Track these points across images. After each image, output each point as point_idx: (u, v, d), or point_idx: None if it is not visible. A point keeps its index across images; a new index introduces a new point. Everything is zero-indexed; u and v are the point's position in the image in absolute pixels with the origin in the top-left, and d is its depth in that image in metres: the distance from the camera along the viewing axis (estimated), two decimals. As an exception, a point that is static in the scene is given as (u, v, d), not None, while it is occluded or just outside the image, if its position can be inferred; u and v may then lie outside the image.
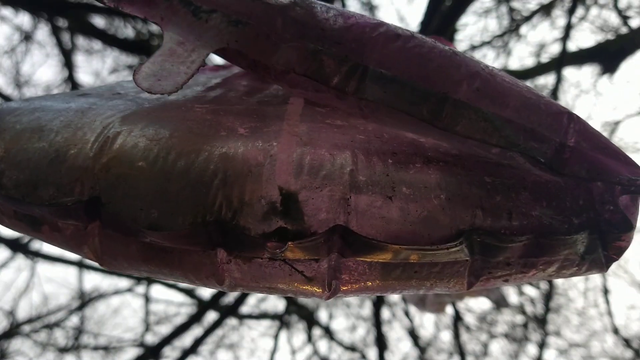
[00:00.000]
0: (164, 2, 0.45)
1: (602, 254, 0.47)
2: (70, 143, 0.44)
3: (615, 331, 3.43)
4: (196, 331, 3.57)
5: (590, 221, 0.46)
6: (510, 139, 0.44)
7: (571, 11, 2.86)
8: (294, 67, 0.45)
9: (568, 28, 2.84)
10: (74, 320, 4.04)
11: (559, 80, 2.95)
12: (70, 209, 0.42)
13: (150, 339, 4.00)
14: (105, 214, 0.42)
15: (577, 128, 0.45)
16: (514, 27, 3.27)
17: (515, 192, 0.45)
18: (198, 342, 3.50)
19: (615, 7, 2.88)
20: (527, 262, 0.45)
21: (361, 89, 0.45)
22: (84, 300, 4.07)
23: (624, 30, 2.93)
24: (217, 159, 0.42)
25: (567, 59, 2.95)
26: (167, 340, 3.39)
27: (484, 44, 3.47)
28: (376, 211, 0.42)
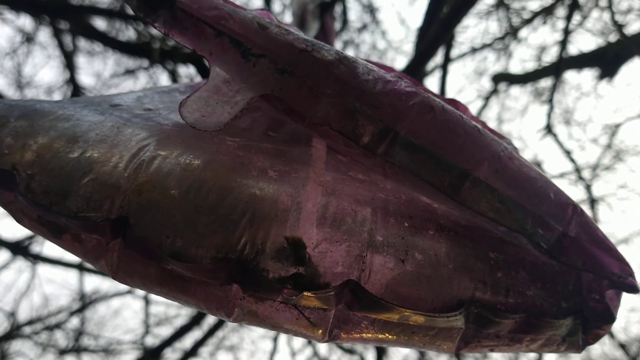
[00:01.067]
0: (215, 38, 0.46)
1: (582, 337, 0.51)
2: (105, 159, 0.45)
3: (611, 335, 3.51)
4: (196, 333, 3.55)
5: (576, 307, 0.50)
6: (520, 222, 0.47)
7: (569, 17, 2.89)
8: (330, 123, 0.47)
9: (566, 32, 2.87)
10: (75, 321, 4.06)
11: (555, 84, 2.99)
12: (97, 225, 0.43)
13: (151, 340, 4.01)
14: (131, 235, 0.43)
15: (579, 220, 0.49)
16: (513, 30, 3.31)
17: (515, 271, 0.48)
18: (198, 344, 3.48)
19: (611, 13, 2.93)
20: (515, 337, 0.49)
21: (389, 153, 0.47)
22: (85, 301, 4.06)
23: (620, 36, 2.99)
24: (247, 198, 0.44)
25: (566, 62, 2.99)
26: (168, 342, 3.36)
27: (484, 46, 3.52)
28: (388, 272, 0.45)
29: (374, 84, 0.47)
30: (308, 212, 0.45)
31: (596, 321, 0.50)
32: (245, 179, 0.45)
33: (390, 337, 0.47)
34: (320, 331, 0.46)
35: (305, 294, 0.43)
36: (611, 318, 0.49)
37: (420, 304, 0.45)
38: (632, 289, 0.48)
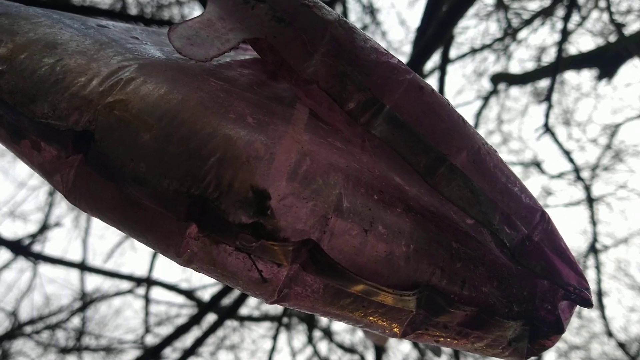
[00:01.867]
0: None
1: (527, 346, 0.50)
2: (81, 70, 0.43)
3: (610, 334, 3.49)
4: (197, 332, 3.50)
5: (527, 313, 0.49)
6: (487, 216, 0.47)
7: (567, 17, 2.91)
8: (319, 81, 0.46)
9: (564, 32, 2.89)
10: (76, 321, 4.04)
11: (553, 83, 3.00)
12: (60, 133, 0.41)
13: (151, 340, 3.98)
14: (94, 152, 0.41)
15: (545, 227, 0.49)
16: (512, 31, 3.33)
17: (474, 265, 0.48)
18: (198, 343, 3.40)
19: (610, 14, 2.96)
20: (462, 331, 0.48)
21: (372, 124, 0.47)
22: (86, 301, 4.01)
23: (619, 36, 3.01)
24: (220, 137, 0.42)
25: (565, 62, 3.00)
26: (168, 341, 3.27)
27: (484, 47, 3.55)
28: (349, 239, 0.44)
29: (368, 52, 0.47)
30: (280, 163, 0.43)
31: (545, 331, 0.49)
32: (222, 120, 0.44)
33: (338, 308, 0.46)
34: (270, 288, 0.44)
35: (262, 242, 0.41)
36: (560, 329, 0.49)
37: (376, 277, 0.44)
38: (587, 303, 0.49)
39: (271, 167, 0.43)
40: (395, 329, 0.47)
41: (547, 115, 3.03)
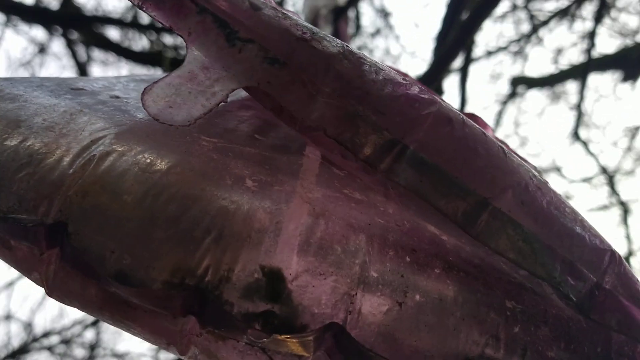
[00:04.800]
0: (195, 16, 0.39)
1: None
2: (48, 150, 0.37)
3: None
4: None
5: None
6: (547, 268, 0.39)
7: (598, 17, 2.80)
8: (326, 127, 0.39)
9: (593, 34, 2.79)
10: (90, 333, 4.09)
11: (583, 89, 2.90)
12: (28, 230, 0.35)
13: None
14: (69, 247, 0.35)
15: (617, 270, 0.40)
16: (532, 31, 3.23)
17: (535, 325, 0.40)
18: None
19: None
20: None
21: (394, 170, 0.39)
22: None
23: None
24: (215, 212, 0.36)
25: (591, 64, 2.92)
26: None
27: (499, 49, 3.46)
28: (381, 317, 0.36)
29: (382, 86, 0.39)
30: (289, 234, 0.36)
31: (628, 393, 0.41)
32: (217, 188, 0.37)
33: (377, 394, 0.38)
34: None
35: (276, 336, 0.35)
36: (647, 391, 0.41)
37: (417, 357, 0.37)
38: None
39: (278, 240, 0.36)
40: None
41: (577, 123, 2.92)
